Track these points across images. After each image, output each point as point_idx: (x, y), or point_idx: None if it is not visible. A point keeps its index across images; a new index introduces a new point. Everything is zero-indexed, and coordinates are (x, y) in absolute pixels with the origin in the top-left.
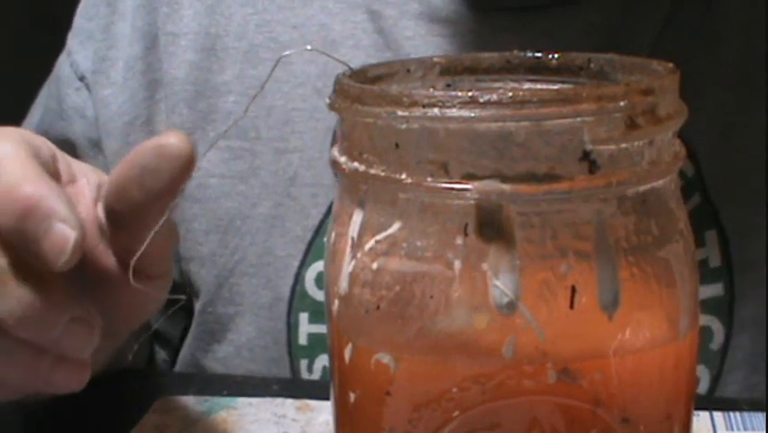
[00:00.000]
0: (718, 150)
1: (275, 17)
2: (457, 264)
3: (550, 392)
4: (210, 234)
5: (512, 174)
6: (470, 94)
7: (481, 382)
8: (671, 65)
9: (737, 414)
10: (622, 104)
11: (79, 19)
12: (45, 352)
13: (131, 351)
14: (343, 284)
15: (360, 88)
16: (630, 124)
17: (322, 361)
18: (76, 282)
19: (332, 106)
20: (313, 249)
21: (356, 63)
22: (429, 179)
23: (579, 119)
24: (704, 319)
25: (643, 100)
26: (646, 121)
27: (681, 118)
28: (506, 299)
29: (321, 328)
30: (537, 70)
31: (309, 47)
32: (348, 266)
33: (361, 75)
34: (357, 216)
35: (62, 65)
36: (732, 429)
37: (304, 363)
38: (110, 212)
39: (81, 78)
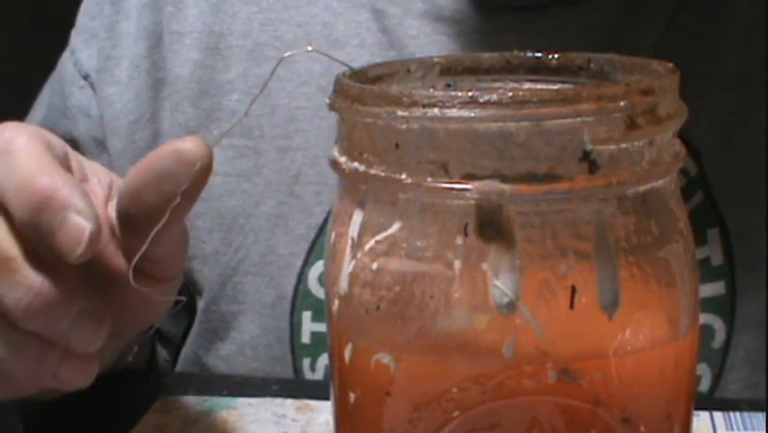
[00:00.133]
0: (720, 150)
1: (279, 16)
2: (457, 264)
3: (550, 392)
4: (213, 233)
5: (512, 174)
6: (470, 94)
7: (481, 382)
8: (671, 65)
9: (737, 414)
10: (622, 104)
11: (83, 17)
12: (53, 345)
13: (131, 352)
14: (343, 284)
15: (360, 88)
16: (630, 124)
17: (325, 359)
18: (85, 278)
19: (332, 106)
20: (316, 248)
21: (360, 62)
22: (429, 179)
23: (579, 119)
24: (706, 318)
25: (643, 100)
26: (646, 121)
27: (681, 118)
28: (506, 299)
29: (324, 327)
30: (537, 70)
31: (310, 47)
32: (348, 266)
33: (362, 75)
34: (357, 216)
35: (66, 63)
36: (732, 429)
37: (306, 361)
38: (124, 215)
39: (85, 77)
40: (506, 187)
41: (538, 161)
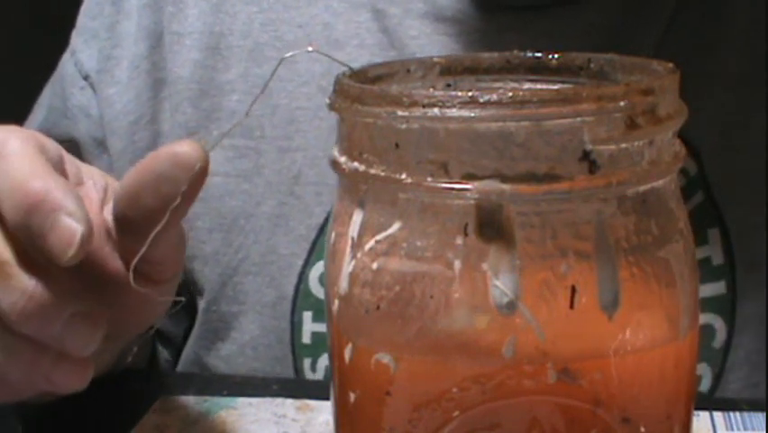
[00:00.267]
0: (720, 150)
1: (280, 16)
2: (457, 264)
3: (550, 392)
4: (214, 233)
5: (512, 174)
6: (470, 94)
7: (481, 382)
8: (671, 65)
9: (737, 414)
10: (622, 104)
11: (83, 18)
12: (47, 349)
13: (130, 353)
14: (343, 284)
15: (360, 88)
16: (630, 124)
17: (325, 360)
18: (81, 281)
19: (332, 106)
20: (317, 248)
21: (360, 62)
22: (429, 179)
23: (579, 119)
24: (706, 317)
25: (643, 100)
26: (646, 121)
27: (681, 118)
28: (506, 299)
29: (324, 327)
30: (537, 70)
31: (311, 48)
32: (348, 266)
33: (361, 75)
34: (357, 216)
35: (66, 64)
36: (732, 429)
37: (307, 361)
38: (121, 218)
39: (86, 77)
40: (506, 187)
41: (538, 161)
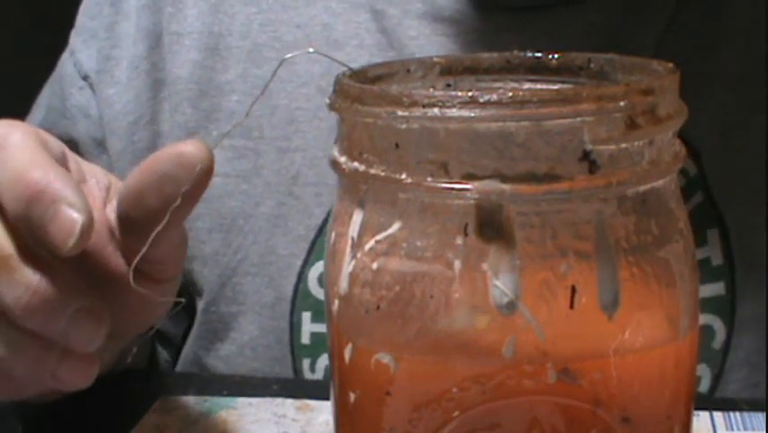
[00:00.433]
0: (719, 151)
1: (279, 17)
2: (457, 264)
3: (550, 392)
4: (213, 233)
5: (512, 174)
6: (470, 94)
7: (481, 382)
8: (671, 65)
9: (737, 414)
10: (622, 104)
11: (82, 18)
12: (52, 345)
13: (130, 353)
14: (343, 284)
15: (360, 88)
16: (630, 124)
17: (324, 360)
18: (84, 280)
19: (332, 106)
20: (316, 248)
21: (360, 63)
22: (429, 179)
23: (579, 119)
24: (705, 318)
25: (643, 100)
26: (646, 121)
27: (681, 118)
28: (506, 299)
29: (323, 328)
30: (537, 70)
31: (311, 49)
32: (348, 266)
33: (361, 75)
34: (357, 216)
35: (65, 64)
36: (732, 429)
37: (306, 362)
38: (124, 218)
39: (85, 78)
40: (506, 187)
41: (538, 161)
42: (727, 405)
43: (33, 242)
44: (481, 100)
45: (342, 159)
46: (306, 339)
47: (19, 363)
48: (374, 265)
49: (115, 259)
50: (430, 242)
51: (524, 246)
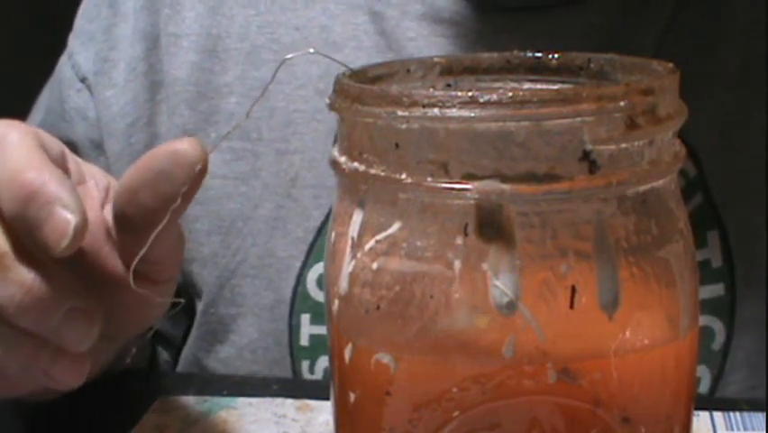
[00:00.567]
0: (719, 151)
1: (277, 19)
2: (457, 264)
3: (550, 392)
4: (212, 236)
5: (512, 174)
6: (470, 94)
7: (481, 382)
8: (671, 65)
9: (737, 414)
10: (622, 104)
11: (80, 20)
12: (45, 343)
13: (129, 354)
14: (343, 284)
15: (360, 88)
16: (630, 124)
17: (323, 362)
18: (80, 280)
19: (332, 106)
20: (314, 250)
21: (358, 65)
22: (429, 179)
23: (579, 119)
24: (705, 319)
25: (643, 100)
26: (646, 121)
27: (681, 118)
28: (506, 299)
29: (322, 330)
30: (537, 70)
31: (312, 49)
32: (348, 266)
33: (361, 75)
34: (357, 216)
35: (63, 66)
36: (732, 429)
37: (305, 364)
38: (120, 216)
39: (83, 80)
40: (506, 187)
41: (538, 161)
42: (727, 405)
43: (29, 242)
44: (481, 100)
45: (342, 159)
46: (304, 341)
47: (12, 360)
48: (374, 265)
49: (112, 259)
50: (430, 242)
51: (524, 246)
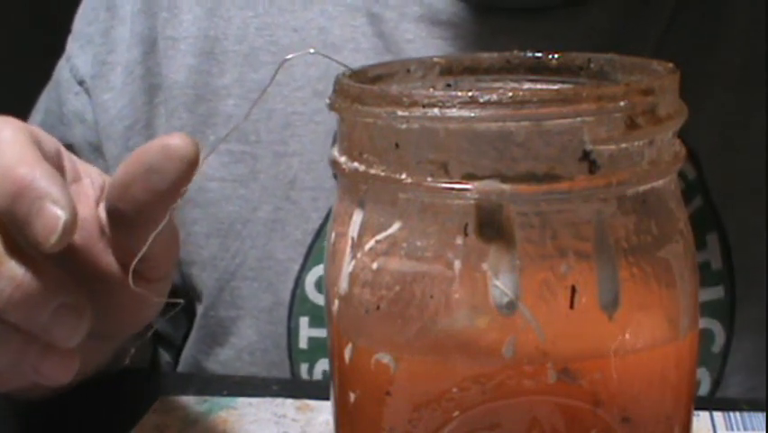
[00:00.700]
0: (719, 151)
1: (275, 20)
2: (457, 264)
3: (550, 392)
4: (211, 238)
5: (512, 174)
6: (470, 94)
7: (481, 382)
8: (671, 65)
9: (737, 414)
10: (622, 104)
11: (79, 23)
12: (34, 339)
13: (127, 354)
14: (343, 284)
15: (360, 88)
16: (630, 124)
17: (322, 365)
18: (73, 277)
19: (332, 106)
20: (313, 253)
21: (356, 66)
22: (429, 179)
23: (579, 119)
24: (705, 322)
25: (643, 100)
26: (646, 121)
27: (681, 118)
28: (506, 299)
29: (321, 333)
30: (537, 70)
31: (312, 50)
32: (348, 266)
33: (361, 75)
34: (357, 216)
35: (62, 69)
36: (732, 429)
37: (304, 367)
38: (113, 210)
39: (81, 83)
40: (506, 187)
41: (538, 161)
42: (727, 405)
43: (19, 237)
44: (481, 100)
45: (342, 159)
46: (303, 344)
47: (1, 355)
48: (374, 265)
49: (106, 257)
50: (430, 242)
51: (524, 246)
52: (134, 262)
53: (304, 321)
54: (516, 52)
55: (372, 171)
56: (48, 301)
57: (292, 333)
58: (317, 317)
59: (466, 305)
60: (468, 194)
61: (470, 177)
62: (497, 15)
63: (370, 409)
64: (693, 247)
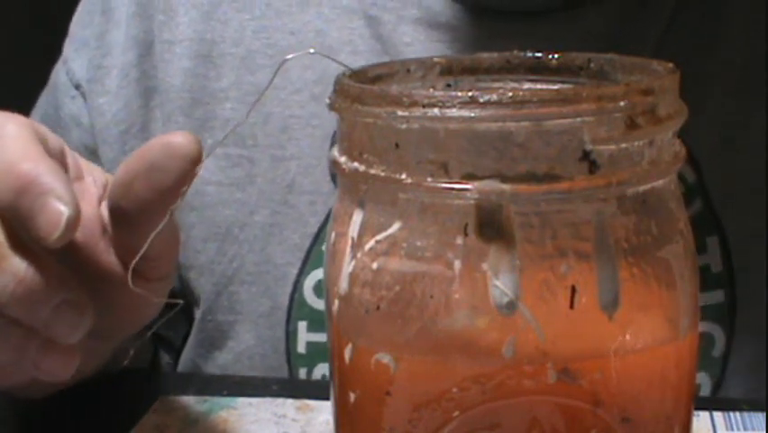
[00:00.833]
0: (719, 154)
1: (272, 23)
2: (457, 264)
3: (550, 392)
4: (208, 243)
5: (512, 174)
6: (470, 94)
7: (481, 382)
8: (671, 65)
9: (737, 414)
10: (622, 104)
11: (75, 27)
12: (35, 334)
13: (127, 355)
14: (343, 284)
15: (360, 88)
16: (630, 124)
17: (321, 369)
18: (75, 275)
19: (332, 106)
20: (311, 257)
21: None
22: (429, 179)
23: (579, 119)
24: (705, 326)
25: (643, 100)
26: (646, 121)
27: (681, 118)
28: (506, 299)
29: (320, 337)
30: (537, 70)
31: (312, 50)
32: (348, 266)
33: (361, 75)
34: (357, 216)
35: (59, 73)
36: (732, 429)
37: (303, 371)
38: (115, 209)
39: (77, 87)
40: (506, 187)
41: (538, 161)
42: (727, 405)
43: (22, 232)
44: (481, 100)
45: (342, 159)
46: (302, 348)
47: (1, 351)
48: (374, 265)
49: (107, 256)
50: (430, 242)
51: (524, 246)
52: (134, 261)
53: (302, 325)
54: (516, 52)
55: (372, 171)
56: (50, 297)
57: (290, 337)
58: (316, 321)
59: (466, 305)
60: (468, 194)
61: (470, 177)
62: (494, 19)
63: (370, 409)
64: (693, 247)
